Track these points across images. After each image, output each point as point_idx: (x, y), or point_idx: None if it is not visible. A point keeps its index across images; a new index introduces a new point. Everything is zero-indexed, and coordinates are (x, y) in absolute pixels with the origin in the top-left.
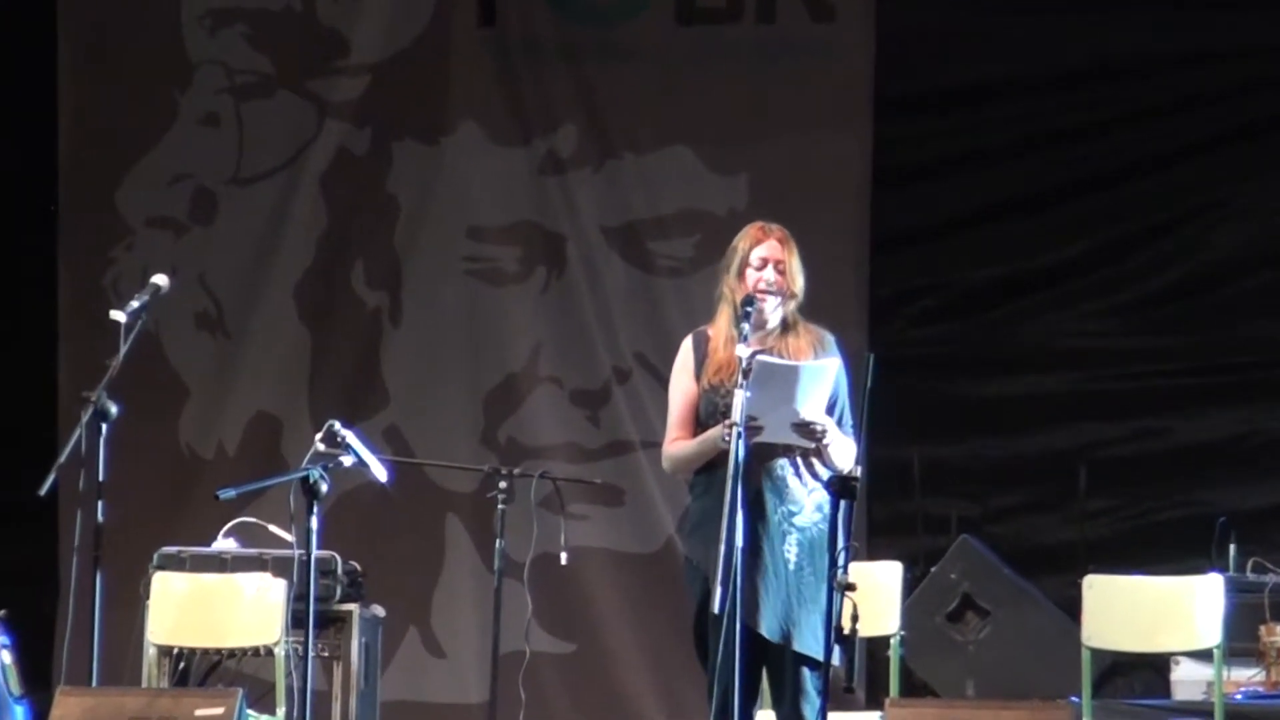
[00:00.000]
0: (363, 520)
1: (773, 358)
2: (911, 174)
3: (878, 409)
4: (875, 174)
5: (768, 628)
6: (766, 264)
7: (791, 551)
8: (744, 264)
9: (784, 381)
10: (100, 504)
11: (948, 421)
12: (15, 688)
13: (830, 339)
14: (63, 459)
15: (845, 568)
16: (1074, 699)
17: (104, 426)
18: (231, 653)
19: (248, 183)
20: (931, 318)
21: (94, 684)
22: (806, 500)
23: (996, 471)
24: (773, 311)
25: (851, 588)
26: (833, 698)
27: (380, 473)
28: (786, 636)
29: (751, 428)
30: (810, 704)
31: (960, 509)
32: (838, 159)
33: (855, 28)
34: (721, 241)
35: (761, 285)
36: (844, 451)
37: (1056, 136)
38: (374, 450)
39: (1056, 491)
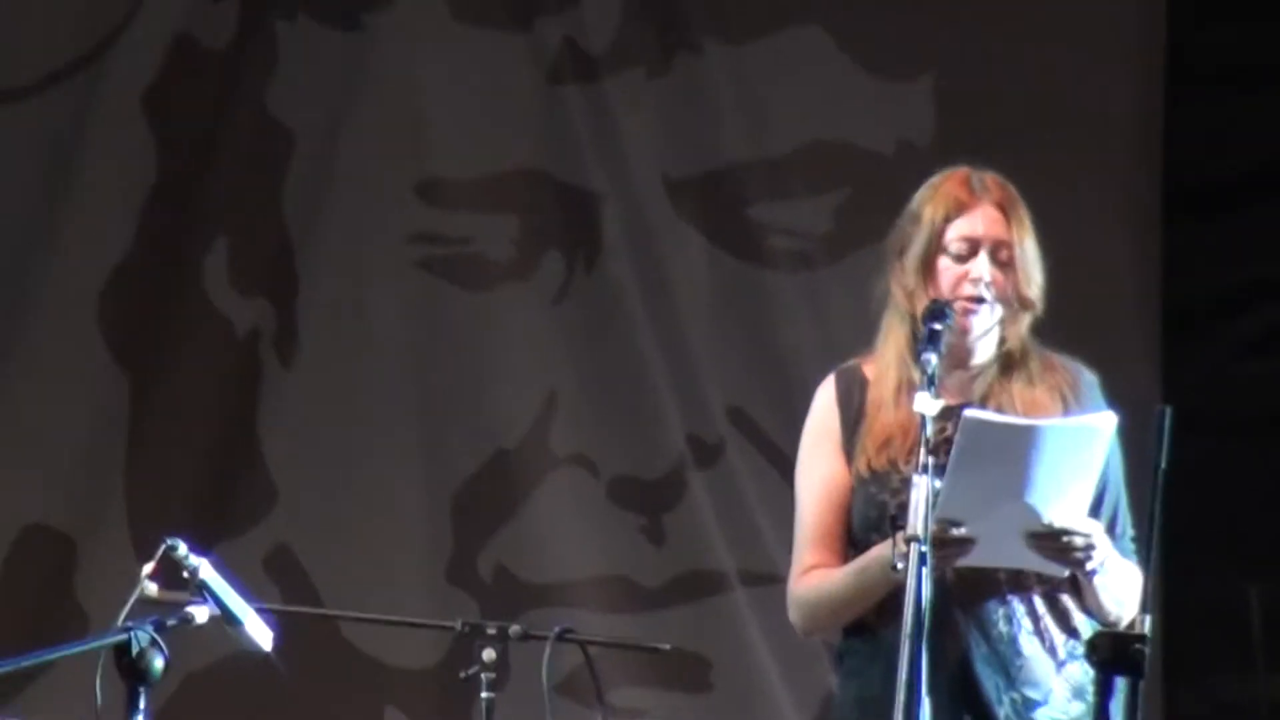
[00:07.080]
0: None
1: (989, 413)
2: (1239, 69)
3: (1179, 507)
4: (1172, 73)
5: None
6: (976, 248)
7: None
8: (934, 248)
9: (1011, 456)
10: None
11: None
12: None
13: (1090, 380)
14: None
15: None
16: None
17: None
18: None
19: (4, 101)
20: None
21: None
22: (1055, 680)
23: None
24: (985, 333)
25: None
26: None
27: (261, 635)
28: None
29: (950, 543)
30: None
31: None
32: (1100, 46)
33: None
34: (887, 204)
35: (967, 288)
36: (1122, 586)
37: None
38: (247, 594)
39: None
